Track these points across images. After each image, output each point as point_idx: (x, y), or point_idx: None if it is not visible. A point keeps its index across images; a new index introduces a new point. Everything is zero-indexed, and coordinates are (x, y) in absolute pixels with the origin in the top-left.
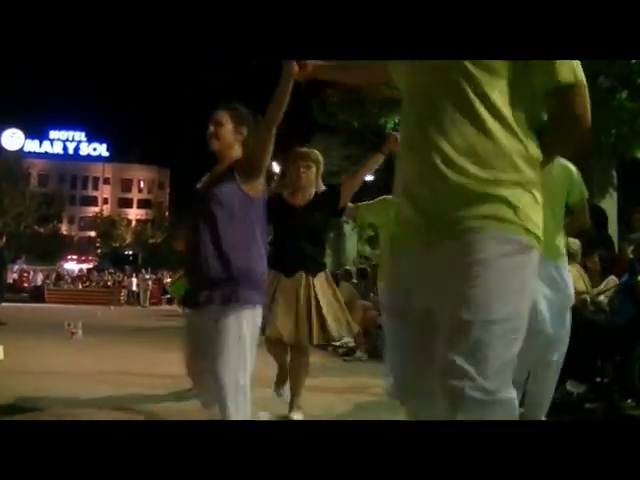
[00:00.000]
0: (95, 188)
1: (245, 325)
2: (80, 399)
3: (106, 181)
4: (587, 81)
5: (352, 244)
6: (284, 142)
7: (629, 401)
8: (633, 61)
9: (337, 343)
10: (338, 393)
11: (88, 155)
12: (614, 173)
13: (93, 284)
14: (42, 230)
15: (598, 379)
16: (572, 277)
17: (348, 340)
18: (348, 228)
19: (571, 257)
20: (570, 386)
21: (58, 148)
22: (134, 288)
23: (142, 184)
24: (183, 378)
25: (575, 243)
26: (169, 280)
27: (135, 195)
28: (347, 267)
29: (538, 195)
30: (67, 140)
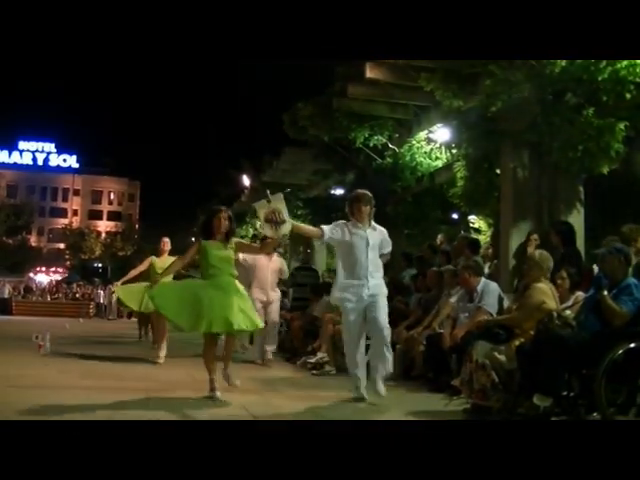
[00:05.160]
0: (65, 199)
1: None
2: (47, 411)
3: (76, 192)
4: (555, 98)
5: (322, 258)
6: (255, 155)
7: (595, 415)
8: (599, 79)
9: (312, 359)
10: (305, 406)
11: (58, 166)
12: (581, 189)
13: (62, 296)
14: (10, 241)
15: (564, 393)
16: (544, 294)
17: (322, 355)
18: (317, 242)
19: (545, 274)
20: (536, 400)
21: (27, 159)
22: (102, 300)
23: (112, 196)
24: (151, 389)
25: (549, 260)
26: (117, 284)
27: (105, 207)
28: (328, 280)
29: None
30: (37, 151)
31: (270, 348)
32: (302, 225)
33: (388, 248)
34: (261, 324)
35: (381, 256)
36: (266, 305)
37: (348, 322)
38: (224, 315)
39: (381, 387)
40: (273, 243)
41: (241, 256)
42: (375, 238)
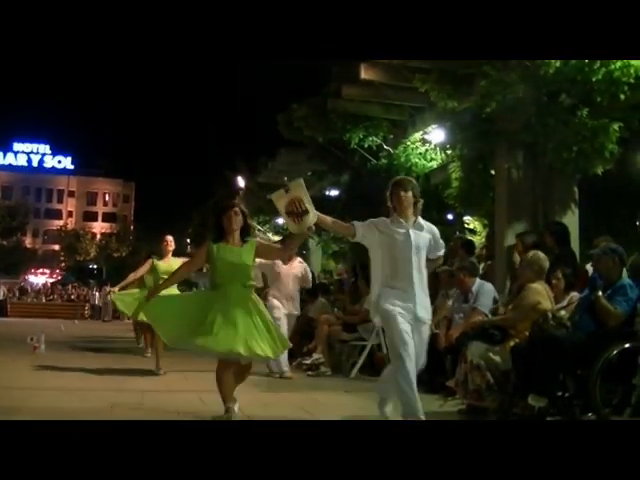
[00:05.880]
0: (60, 201)
1: None
2: (42, 413)
3: (71, 194)
4: (549, 99)
5: (317, 259)
6: (250, 156)
7: (590, 415)
8: (594, 79)
9: (307, 361)
10: (300, 408)
11: (53, 168)
12: (576, 189)
13: (57, 298)
14: (5, 243)
15: (559, 393)
16: (539, 294)
17: (318, 356)
18: (313, 243)
19: (540, 274)
20: (531, 400)
21: (22, 160)
22: (97, 302)
23: (107, 197)
24: (146, 390)
25: (544, 260)
26: (115, 290)
27: (100, 208)
28: (323, 281)
29: None
30: (31, 152)
31: (281, 366)
32: (329, 218)
33: (439, 251)
34: (285, 345)
35: (428, 262)
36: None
37: (400, 331)
38: (226, 336)
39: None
40: (298, 240)
41: (256, 260)
42: (422, 238)
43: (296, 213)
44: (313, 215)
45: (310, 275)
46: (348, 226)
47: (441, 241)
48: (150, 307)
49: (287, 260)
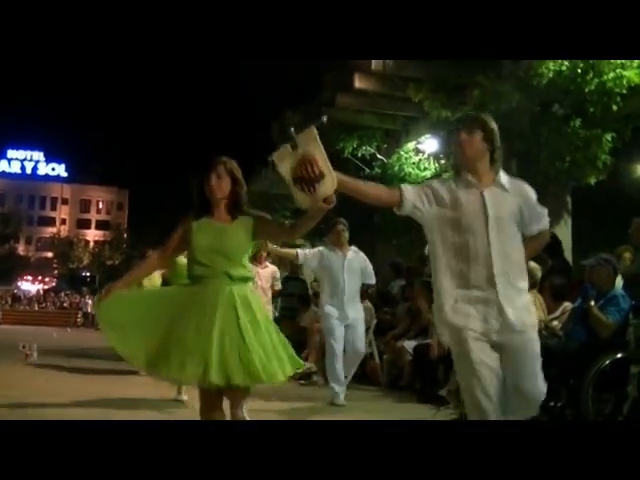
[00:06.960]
0: (53, 208)
1: None
2: (34, 421)
3: (64, 201)
4: (542, 109)
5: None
6: (245, 165)
7: None
8: (586, 90)
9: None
10: (292, 416)
11: (46, 175)
12: (569, 199)
13: (49, 305)
14: None
15: (552, 403)
16: (531, 305)
17: (310, 365)
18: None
19: (533, 285)
20: None
21: (16, 167)
22: (89, 310)
23: (101, 205)
24: (138, 393)
25: (537, 270)
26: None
27: (94, 216)
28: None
29: None
30: (25, 160)
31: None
32: (358, 182)
33: (538, 224)
34: (293, 368)
35: (525, 241)
36: (345, 325)
37: (474, 367)
38: (202, 359)
39: None
40: (315, 216)
41: (300, 252)
42: (504, 204)
43: (308, 179)
44: (332, 180)
45: (370, 267)
46: (391, 191)
47: (540, 209)
48: (105, 308)
49: (340, 249)
